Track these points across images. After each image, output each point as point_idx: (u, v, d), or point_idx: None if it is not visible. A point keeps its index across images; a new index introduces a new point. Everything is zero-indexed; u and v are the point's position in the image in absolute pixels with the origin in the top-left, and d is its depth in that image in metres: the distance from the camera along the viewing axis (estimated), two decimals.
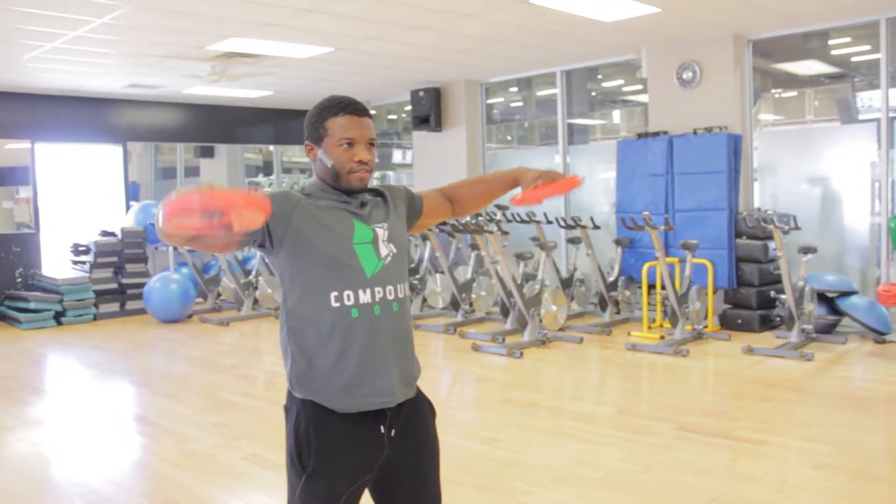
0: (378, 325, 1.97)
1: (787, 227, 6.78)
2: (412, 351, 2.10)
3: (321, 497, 1.94)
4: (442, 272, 8.67)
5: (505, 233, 7.74)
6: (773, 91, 9.23)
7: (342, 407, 1.94)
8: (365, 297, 1.95)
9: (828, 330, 7.16)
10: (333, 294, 1.93)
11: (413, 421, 2.07)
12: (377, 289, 1.97)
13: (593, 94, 10.79)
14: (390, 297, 2.00)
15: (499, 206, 9.27)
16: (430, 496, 2.13)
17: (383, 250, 2.01)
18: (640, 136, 8.24)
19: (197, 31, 7.00)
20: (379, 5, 6.27)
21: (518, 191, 2.22)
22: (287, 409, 2.02)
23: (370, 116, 2.05)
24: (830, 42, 8.17)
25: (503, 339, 7.35)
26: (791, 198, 7.92)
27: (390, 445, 2.00)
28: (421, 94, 10.41)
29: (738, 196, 7.68)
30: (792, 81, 9.31)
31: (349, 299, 1.94)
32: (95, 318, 9.72)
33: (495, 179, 2.33)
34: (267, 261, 1.98)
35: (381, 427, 1.98)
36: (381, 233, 2.03)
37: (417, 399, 2.11)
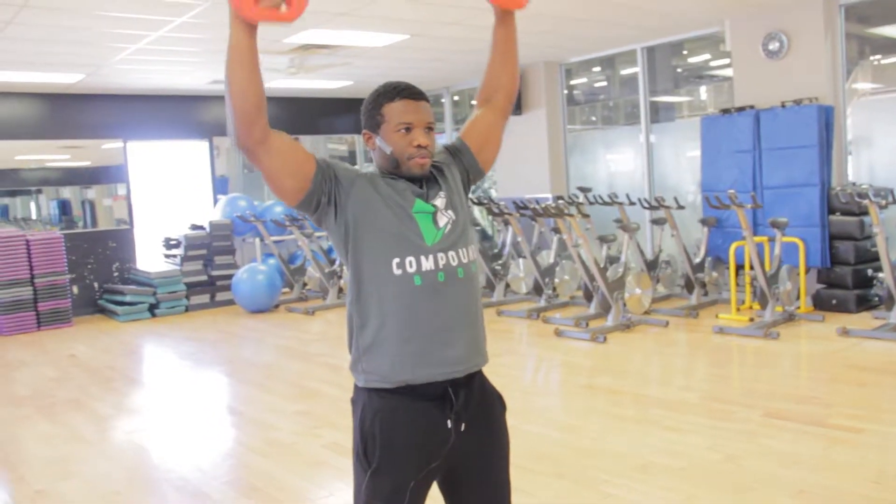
0: (443, 293, 1.92)
1: (884, 202, 6.41)
2: (481, 318, 2.04)
3: (386, 492, 1.91)
4: (524, 257, 8.60)
5: (586, 215, 7.62)
6: (871, 58, 8.76)
7: (409, 379, 1.90)
8: (428, 265, 1.90)
9: None
10: (395, 261, 1.89)
11: (481, 414, 2.01)
12: (440, 254, 1.92)
13: (678, 70, 10.47)
14: (454, 263, 1.94)
15: (581, 189, 9.13)
16: (499, 497, 2.07)
17: (441, 220, 1.97)
18: (724, 111, 7.96)
19: (273, 26, 7.07)
20: None
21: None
22: (353, 401, 2.00)
23: (427, 100, 2.00)
24: None
25: (587, 324, 7.25)
26: (890, 170, 7.51)
27: (457, 437, 1.94)
28: None
29: (830, 170, 7.33)
30: (892, 46, 8.81)
31: (411, 266, 1.89)
32: (187, 309, 10.04)
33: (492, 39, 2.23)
34: (325, 230, 1.97)
35: (448, 421, 1.93)
36: (440, 202, 1.98)
37: (487, 391, 2.05)
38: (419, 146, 1.94)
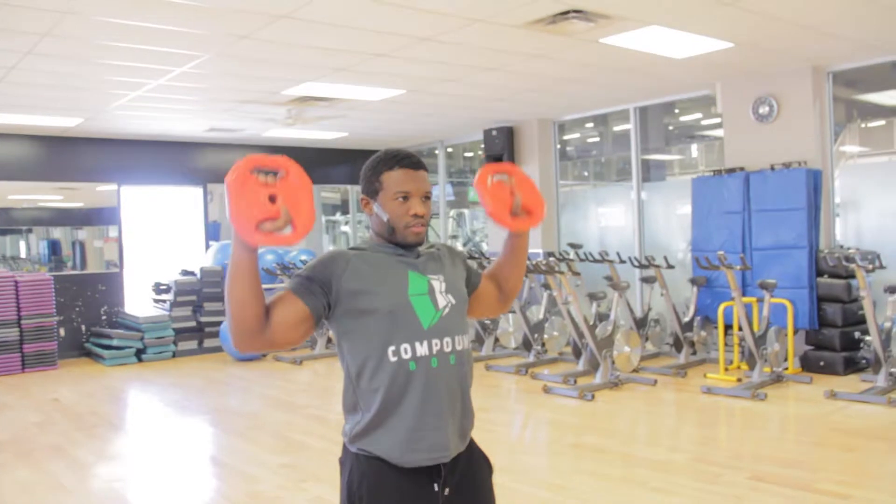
0: (435, 378, 1.93)
1: (870, 266, 6.50)
2: (469, 403, 2.05)
3: None
4: (514, 312, 8.61)
5: (576, 273, 7.64)
6: (860, 122, 8.93)
7: (399, 461, 1.91)
8: (422, 350, 1.92)
9: None
10: (391, 349, 1.91)
11: (468, 478, 2.03)
12: (434, 340, 1.94)
13: (670, 128, 10.64)
14: (447, 350, 1.96)
15: (572, 245, 9.19)
16: None
17: (441, 301, 1.98)
18: (715, 172, 8.08)
19: (272, 78, 7.20)
20: (448, 48, 6.33)
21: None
22: (342, 462, 2.01)
23: (426, 169, 2.04)
24: None
25: (575, 381, 7.23)
26: (877, 234, 7.60)
27: (444, 502, 1.95)
28: (494, 133, 10.44)
29: (818, 233, 7.43)
30: (879, 111, 8.99)
31: (406, 352, 1.91)
32: (174, 355, 9.98)
33: (502, 252, 2.29)
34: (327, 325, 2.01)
35: (436, 485, 1.94)
36: (437, 284, 2.00)
37: (473, 454, 2.07)
38: (416, 215, 1.97)
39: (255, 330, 1.82)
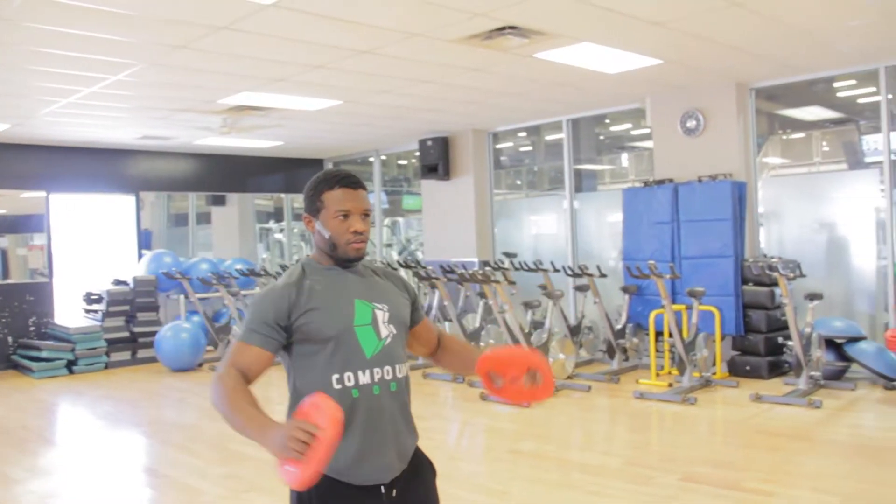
0: (377, 405, 2.05)
1: (791, 275, 6.81)
2: (411, 424, 2.17)
3: None
4: (450, 320, 8.72)
5: (512, 282, 7.80)
6: (781, 133, 9.32)
7: (346, 479, 2.02)
8: (364, 378, 2.04)
9: (837, 376, 7.14)
10: (335, 377, 2.02)
11: (413, 482, 2.14)
12: (376, 369, 2.05)
13: (601, 138, 10.90)
14: (388, 378, 2.08)
15: (507, 254, 9.35)
16: None
17: (384, 331, 2.10)
18: (645, 184, 8.34)
19: (208, 87, 7.18)
20: (386, 61, 6.42)
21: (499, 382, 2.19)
22: None
23: (364, 188, 2.15)
24: (836, 85, 8.19)
25: None
26: (798, 244, 7.97)
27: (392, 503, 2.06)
28: (429, 143, 10.56)
29: (743, 243, 7.74)
30: (799, 124, 9.41)
31: (350, 380, 2.02)
32: (107, 366, 9.83)
33: (468, 359, 2.29)
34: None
35: (382, 488, 2.05)
36: (381, 314, 2.11)
37: (418, 460, 2.17)
38: (356, 232, 2.08)
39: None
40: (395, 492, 2.07)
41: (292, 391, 2.07)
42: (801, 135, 9.54)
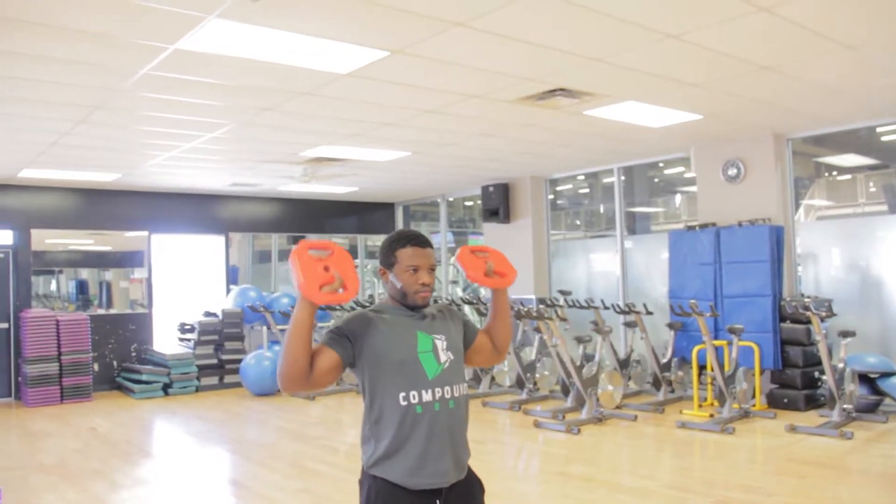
0: (437, 419, 2.34)
1: (823, 314, 7.19)
2: (465, 439, 2.45)
3: None
4: (509, 353, 9.24)
5: (563, 319, 8.30)
6: (827, 176, 9.63)
7: (407, 485, 2.31)
8: (427, 396, 2.33)
9: (870, 409, 7.44)
10: (402, 395, 2.32)
11: (465, 495, 2.43)
12: (437, 389, 2.35)
13: (655, 180, 11.27)
14: (448, 396, 2.37)
15: (562, 292, 9.88)
16: None
17: (442, 357, 2.39)
18: (689, 227, 8.84)
19: (291, 142, 7.92)
20: (450, 119, 7.04)
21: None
22: (361, 483, 2.42)
23: (432, 246, 2.48)
24: (878, 130, 8.37)
25: (563, 417, 7.81)
26: (834, 283, 8.29)
27: None
28: (491, 189, 11.16)
29: (781, 282, 8.14)
30: (842, 168, 9.70)
31: (414, 398, 2.32)
32: (197, 389, 10.64)
33: (491, 317, 2.71)
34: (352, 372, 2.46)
35: (438, 500, 2.35)
36: (440, 343, 2.41)
37: (469, 478, 2.46)
38: (423, 284, 2.42)
39: (302, 377, 2.24)
40: (449, 500, 2.35)
41: (367, 410, 2.38)
42: (847, 177, 9.85)
